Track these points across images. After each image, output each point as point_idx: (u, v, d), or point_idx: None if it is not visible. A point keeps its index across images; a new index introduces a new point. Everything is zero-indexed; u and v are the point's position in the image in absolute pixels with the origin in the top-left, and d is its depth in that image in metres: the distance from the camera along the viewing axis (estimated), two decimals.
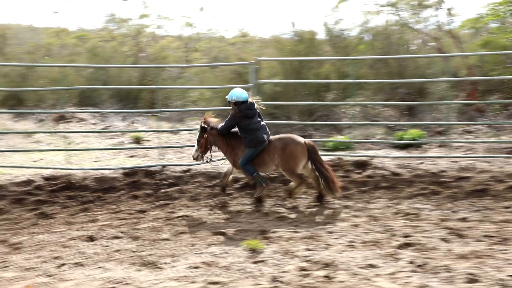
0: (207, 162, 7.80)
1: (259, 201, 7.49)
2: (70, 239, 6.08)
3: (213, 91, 15.37)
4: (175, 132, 13.46)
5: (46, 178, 8.59)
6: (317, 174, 7.30)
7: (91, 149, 11.34)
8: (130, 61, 18.02)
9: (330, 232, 6.18)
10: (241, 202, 7.75)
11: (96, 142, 12.77)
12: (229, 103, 7.37)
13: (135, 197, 8.06)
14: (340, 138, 11.18)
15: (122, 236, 6.19)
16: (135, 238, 6.10)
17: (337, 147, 10.59)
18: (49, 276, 4.86)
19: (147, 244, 5.87)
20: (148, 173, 9.01)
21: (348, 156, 9.16)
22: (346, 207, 7.31)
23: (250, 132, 7.20)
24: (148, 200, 7.94)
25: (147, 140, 12.89)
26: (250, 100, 7.31)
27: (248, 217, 7.03)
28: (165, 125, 14.39)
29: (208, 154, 7.67)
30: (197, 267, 5.06)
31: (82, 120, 14.89)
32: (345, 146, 10.68)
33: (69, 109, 14.97)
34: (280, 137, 7.50)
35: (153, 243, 5.93)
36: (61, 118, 14.38)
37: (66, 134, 11.87)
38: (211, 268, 5.06)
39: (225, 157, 7.78)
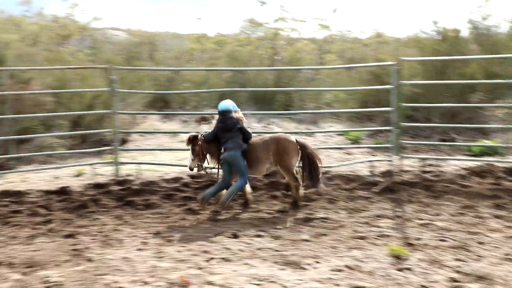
0: (204, 171, 7.81)
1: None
2: (216, 235, 6.39)
3: (348, 93, 15.21)
4: (310, 134, 13.53)
5: (192, 176, 9.15)
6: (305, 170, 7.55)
7: None
8: (266, 64, 18.48)
9: (481, 243, 5.80)
10: (381, 206, 7.56)
11: None
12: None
13: (274, 197, 8.24)
14: (487, 142, 10.44)
15: (263, 235, 6.36)
16: (276, 238, 6.24)
17: (484, 152, 9.91)
18: (200, 268, 5.15)
19: (288, 244, 5.97)
20: None
21: (499, 162, 8.51)
22: (497, 217, 6.80)
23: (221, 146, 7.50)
24: (286, 200, 8.08)
25: None
26: (233, 114, 7.54)
27: (388, 222, 6.83)
28: (300, 127, 14.55)
29: (204, 162, 7.72)
30: (340, 270, 5.04)
31: None
32: (493, 151, 9.95)
33: (210, 111, 15.74)
34: (272, 136, 7.79)
35: (294, 243, 6.01)
36: (202, 119, 15.21)
37: None
38: (354, 272, 5.00)
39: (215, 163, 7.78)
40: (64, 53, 17.97)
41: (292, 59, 18.74)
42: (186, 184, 8.80)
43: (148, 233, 6.52)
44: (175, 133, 13.57)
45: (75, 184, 8.89)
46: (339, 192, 8.35)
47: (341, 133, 13.52)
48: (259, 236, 6.32)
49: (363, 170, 9.54)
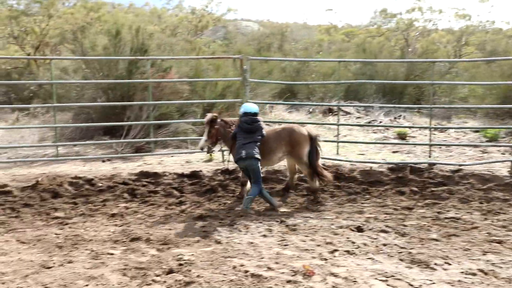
0: (210, 153, 7.84)
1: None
2: (340, 227, 6.34)
3: (486, 87, 14.20)
4: (442, 129, 12.86)
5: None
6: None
7: (357, 142, 11.64)
8: (396, 55, 17.87)
9: None
10: None
11: (361, 135, 13.06)
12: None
13: (401, 193, 7.97)
14: None
15: (389, 230, 6.18)
16: (403, 235, 6.03)
17: None
18: (324, 259, 5.14)
19: (415, 242, 5.74)
20: (415, 170, 8.84)
21: None
22: None
23: (236, 148, 7.30)
24: (414, 197, 7.78)
25: (412, 137, 12.63)
26: (259, 118, 7.47)
27: None
28: (431, 122, 13.88)
29: (216, 146, 7.78)
30: (473, 274, 4.73)
31: (347, 113, 15.41)
32: None
33: (336, 103, 15.64)
34: (283, 127, 7.82)
35: (422, 241, 5.76)
36: (329, 111, 15.14)
37: (334, 126, 12.44)
38: (489, 277, 4.67)
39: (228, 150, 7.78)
40: (200, 43, 18.89)
41: (425, 51, 17.91)
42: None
43: (273, 220, 6.65)
44: (301, 123, 13.65)
45: (206, 169, 9.33)
46: (473, 191, 7.85)
47: (476, 130, 12.67)
48: (384, 231, 6.15)
49: (501, 170, 8.86)
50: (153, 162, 10.18)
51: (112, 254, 5.39)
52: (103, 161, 10.19)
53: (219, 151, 7.71)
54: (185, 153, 10.81)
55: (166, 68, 12.76)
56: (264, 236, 6.02)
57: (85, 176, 8.56)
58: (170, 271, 4.82)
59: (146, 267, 4.95)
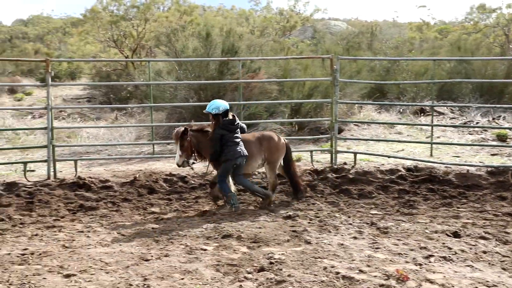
0: (191, 167, 7.49)
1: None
2: (434, 232, 6.09)
3: None
4: None
5: (408, 169, 8.89)
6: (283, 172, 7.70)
7: (452, 143, 11.14)
8: (495, 53, 16.89)
9: None
10: None
11: (456, 137, 12.50)
12: (211, 116, 7.20)
13: (502, 198, 7.54)
14: None
15: (489, 237, 5.86)
16: (505, 242, 5.68)
17: None
18: (418, 265, 4.96)
19: None
20: None
21: None
22: None
23: (228, 146, 7.04)
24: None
25: None
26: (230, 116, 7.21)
27: None
28: None
29: (191, 158, 7.30)
30: None
31: (440, 114, 14.80)
32: None
33: (429, 103, 15.07)
34: (262, 133, 7.80)
35: None
36: (420, 111, 14.62)
37: (425, 127, 12.00)
38: None
39: (202, 160, 7.48)
40: (288, 43, 18.96)
41: None
42: (402, 177, 8.58)
43: (363, 223, 6.53)
44: (391, 124, 13.31)
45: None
46: None
47: None
48: (484, 238, 5.84)
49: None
50: None
51: (205, 250, 5.55)
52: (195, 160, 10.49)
53: (193, 163, 7.58)
54: None
55: (255, 68, 12.94)
56: (355, 238, 5.92)
57: (178, 174, 8.87)
58: (261, 269, 4.88)
59: (238, 264, 5.05)
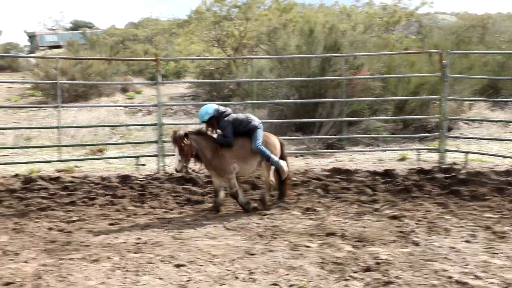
0: (188, 173, 7.38)
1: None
2: None
3: None
4: None
5: None
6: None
7: None
8: None
9: None
10: None
11: None
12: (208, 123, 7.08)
13: None
14: None
15: None
16: None
17: None
18: None
19: None
20: None
21: None
22: None
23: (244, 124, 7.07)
24: None
25: None
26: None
27: None
28: None
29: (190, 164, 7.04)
30: None
31: None
32: None
33: None
34: None
35: None
36: None
37: None
38: None
39: (202, 165, 7.16)
40: (392, 39, 18.38)
41: None
42: None
43: (477, 226, 6.16)
44: (507, 122, 12.42)
45: (399, 167, 9.04)
46: None
47: None
48: None
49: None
50: (344, 159, 10.21)
51: (309, 246, 5.52)
52: (296, 157, 10.51)
53: (192, 170, 7.50)
54: (377, 151, 10.62)
55: (358, 65, 12.68)
56: (468, 241, 5.60)
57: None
58: (368, 269, 4.76)
59: (343, 263, 4.96)
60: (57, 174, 8.91)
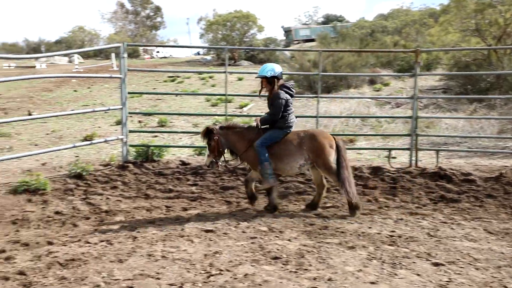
0: (216, 168, 6.92)
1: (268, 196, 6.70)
2: None
3: None
4: None
5: None
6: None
7: None
8: None
9: None
10: None
11: None
12: (266, 81, 6.56)
13: None
14: None
15: None
16: None
17: None
18: None
19: None
20: None
21: None
22: None
23: (287, 114, 6.51)
24: None
25: None
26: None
27: None
28: None
29: (222, 158, 6.79)
30: None
31: None
32: None
33: None
34: (306, 130, 6.77)
35: None
36: None
37: None
38: None
39: (235, 159, 6.81)
40: None
41: None
42: None
43: None
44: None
45: None
46: None
47: None
48: None
49: None
50: None
51: None
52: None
53: (222, 164, 6.89)
54: None
55: None
56: None
57: None
58: None
59: None
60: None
